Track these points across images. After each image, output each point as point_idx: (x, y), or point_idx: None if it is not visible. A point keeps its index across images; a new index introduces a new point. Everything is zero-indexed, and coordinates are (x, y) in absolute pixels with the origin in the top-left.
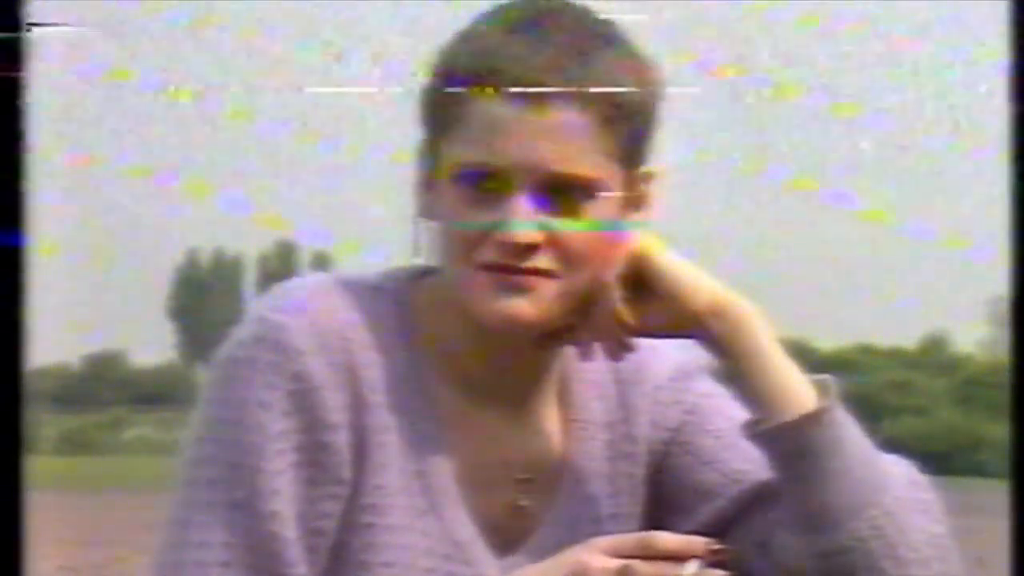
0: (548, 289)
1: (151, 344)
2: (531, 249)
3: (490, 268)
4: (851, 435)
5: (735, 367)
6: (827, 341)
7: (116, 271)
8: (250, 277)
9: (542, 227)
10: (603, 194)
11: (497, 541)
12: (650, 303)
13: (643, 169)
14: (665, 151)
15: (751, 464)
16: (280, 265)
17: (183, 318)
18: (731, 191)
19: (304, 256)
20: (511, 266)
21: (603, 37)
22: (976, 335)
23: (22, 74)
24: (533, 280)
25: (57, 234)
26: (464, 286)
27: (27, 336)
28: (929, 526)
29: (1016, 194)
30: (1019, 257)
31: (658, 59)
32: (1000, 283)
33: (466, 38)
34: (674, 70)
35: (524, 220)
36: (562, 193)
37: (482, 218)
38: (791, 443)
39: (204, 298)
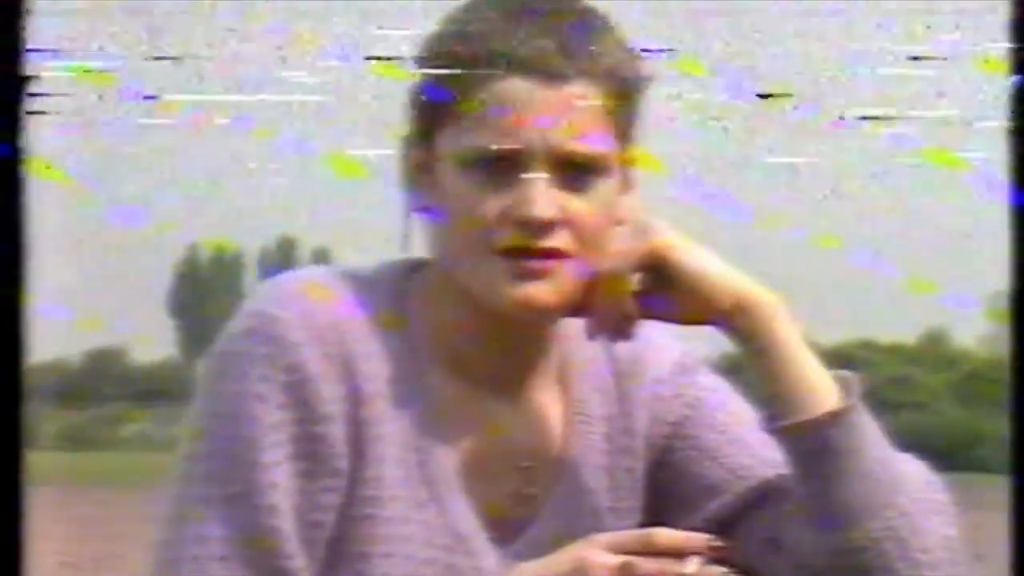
0: (564, 272)
1: (151, 340)
2: (549, 227)
3: (509, 252)
4: (872, 434)
5: (758, 361)
6: (828, 337)
7: (117, 267)
8: (251, 273)
9: (559, 205)
10: (608, 173)
11: (497, 531)
12: (672, 295)
13: (631, 151)
14: (667, 138)
15: (755, 459)
16: (281, 261)
17: (183, 314)
18: (730, 184)
19: (305, 252)
20: (530, 248)
21: (598, 20)
22: (976, 331)
23: (22, 71)
24: (550, 264)
25: (56, 233)
26: (480, 273)
27: (27, 331)
28: (942, 528)
29: (1016, 190)
30: (1019, 252)
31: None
32: (1000, 278)
33: (461, 24)
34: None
35: (543, 197)
36: (574, 171)
37: (497, 202)
38: (813, 440)
39: (204, 294)
